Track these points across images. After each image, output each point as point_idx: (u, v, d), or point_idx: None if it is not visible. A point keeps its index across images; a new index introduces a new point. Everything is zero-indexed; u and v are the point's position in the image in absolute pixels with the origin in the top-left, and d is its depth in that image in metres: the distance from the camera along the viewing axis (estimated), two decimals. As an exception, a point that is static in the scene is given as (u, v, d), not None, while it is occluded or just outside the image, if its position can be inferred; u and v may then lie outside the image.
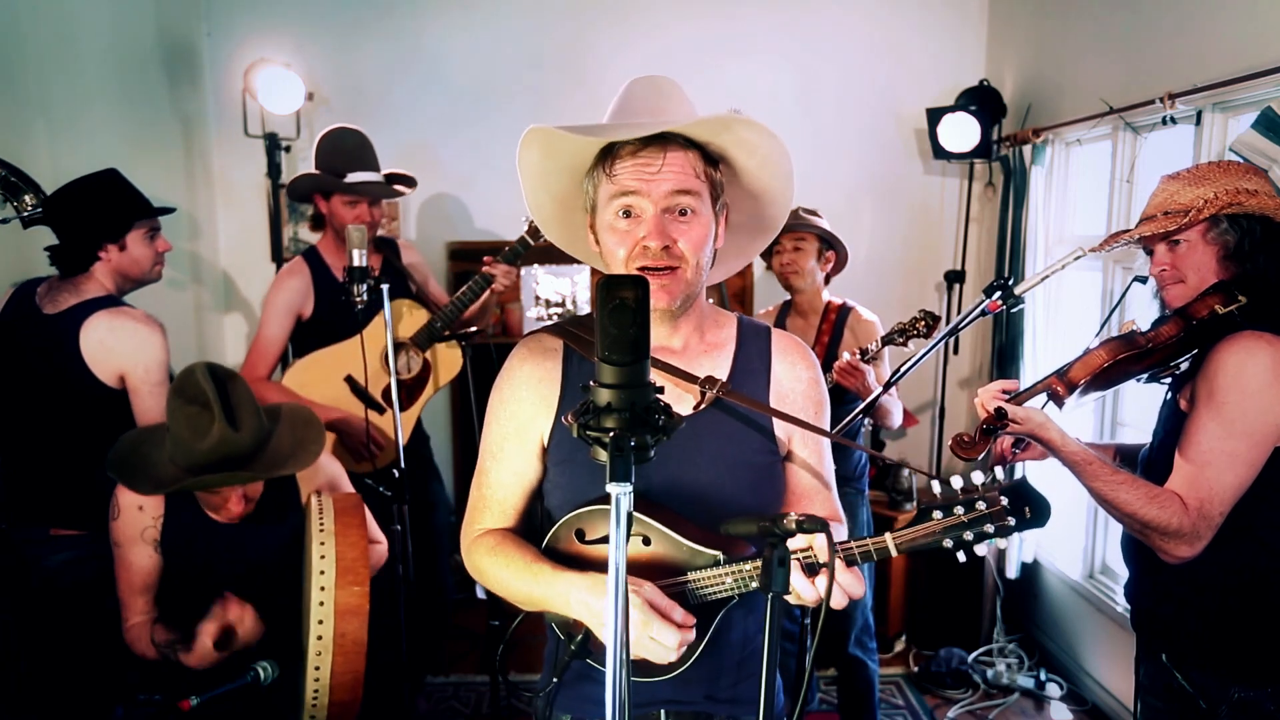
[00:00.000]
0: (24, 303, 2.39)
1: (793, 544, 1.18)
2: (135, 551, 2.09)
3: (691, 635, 1.23)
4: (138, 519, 2.08)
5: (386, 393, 2.91)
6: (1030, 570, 3.90)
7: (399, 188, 3.19)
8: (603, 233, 1.36)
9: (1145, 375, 1.86)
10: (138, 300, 2.51)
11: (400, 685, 2.74)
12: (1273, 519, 1.68)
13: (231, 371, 2.01)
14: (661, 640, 1.19)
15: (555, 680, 1.43)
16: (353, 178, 2.95)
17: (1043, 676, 3.61)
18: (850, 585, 1.19)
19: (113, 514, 2.10)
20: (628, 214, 1.32)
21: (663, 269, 1.32)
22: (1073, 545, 3.68)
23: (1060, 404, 1.84)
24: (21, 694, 2.50)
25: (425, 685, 3.58)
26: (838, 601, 1.18)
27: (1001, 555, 3.81)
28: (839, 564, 1.17)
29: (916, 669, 3.81)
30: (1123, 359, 1.79)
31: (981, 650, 3.82)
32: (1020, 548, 3.78)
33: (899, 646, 3.99)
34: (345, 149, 3.01)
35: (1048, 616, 3.89)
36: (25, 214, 2.33)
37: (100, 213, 2.38)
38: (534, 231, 2.86)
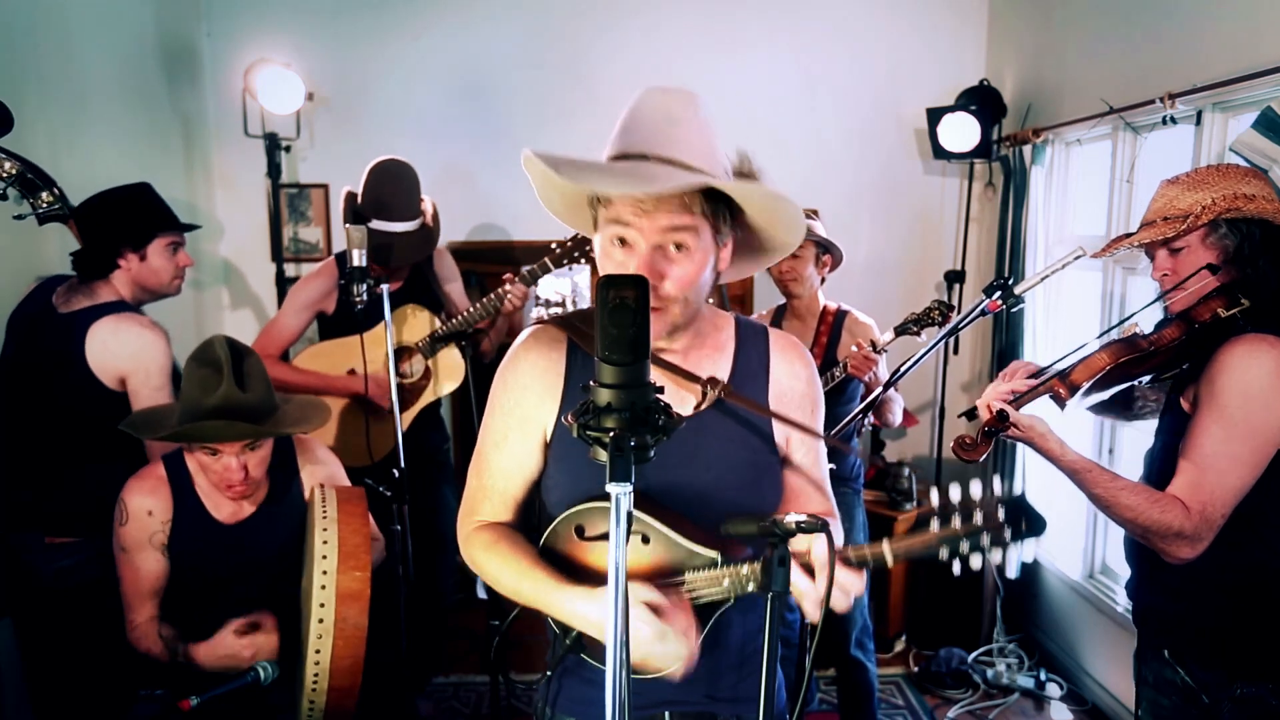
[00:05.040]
0: (43, 299, 2.42)
1: (793, 545, 1.18)
2: (143, 556, 2.08)
3: (696, 646, 1.24)
4: (147, 524, 2.07)
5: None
6: (1030, 570, 3.90)
7: (416, 248, 3.08)
8: (599, 254, 1.33)
9: (1148, 377, 1.86)
10: (149, 305, 2.54)
11: (401, 685, 2.74)
12: (1276, 519, 1.68)
13: (249, 348, 2.04)
14: (674, 652, 1.21)
15: (549, 674, 1.43)
16: (375, 225, 2.94)
17: (1043, 676, 3.61)
18: (851, 583, 1.20)
19: (120, 519, 2.08)
20: (623, 242, 1.28)
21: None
22: (1073, 545, 3.68)
23: (1062, 405, 1.84)
24: (27, 699, 2.50)
25: (427, 686, 3.58)
26: (839, 603, 1.18)
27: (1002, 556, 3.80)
28: (838, 564, 1.18)
29: (916, 669, 3.80)
30: (1125, 361, 1.79)
31: (981, 650, 3.82)
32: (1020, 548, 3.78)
33: (899, 646, 3.98)
34: (381, 193, 2.99)
35: (1048, 616, 3.88)
36: (41, 210, 2.34)
37: (125, 221, 2.43)
38: (557, 259, 2.91)
